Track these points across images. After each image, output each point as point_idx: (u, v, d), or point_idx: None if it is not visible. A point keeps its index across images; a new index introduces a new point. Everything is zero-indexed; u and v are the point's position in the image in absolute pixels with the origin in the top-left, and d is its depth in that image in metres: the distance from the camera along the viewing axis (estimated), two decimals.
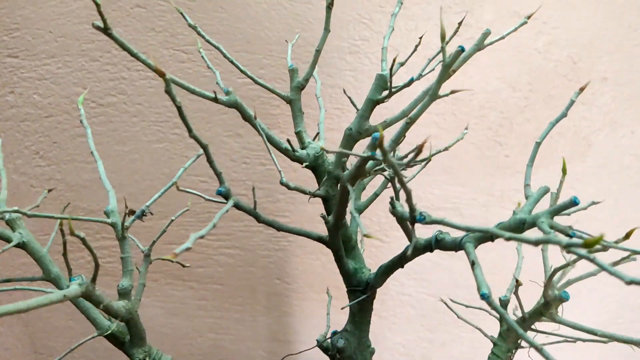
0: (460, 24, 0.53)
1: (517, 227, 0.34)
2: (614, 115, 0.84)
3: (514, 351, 0.52)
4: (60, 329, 1.01)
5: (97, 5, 0.33)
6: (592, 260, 0.26)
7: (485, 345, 0.77)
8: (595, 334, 0.44)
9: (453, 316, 0.95)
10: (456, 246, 0.36)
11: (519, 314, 0.49)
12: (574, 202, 0.33)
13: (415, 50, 0.56)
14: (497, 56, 0.82)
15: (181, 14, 0.55)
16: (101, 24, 0.33)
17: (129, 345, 0.52)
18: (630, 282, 0.24)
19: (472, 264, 0.30)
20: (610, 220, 0.89)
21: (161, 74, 0.33)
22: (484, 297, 0.29)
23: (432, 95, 0.37)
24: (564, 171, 0.39)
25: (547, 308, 0.44)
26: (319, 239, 0.46)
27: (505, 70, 0.83)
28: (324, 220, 0.43)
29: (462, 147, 0.85)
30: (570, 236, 0.32)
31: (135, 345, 0.52)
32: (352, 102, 0.59)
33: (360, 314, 0.46)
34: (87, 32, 0.84)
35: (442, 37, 0.34)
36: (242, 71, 0.53)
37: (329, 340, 0.51)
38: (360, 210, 0.53)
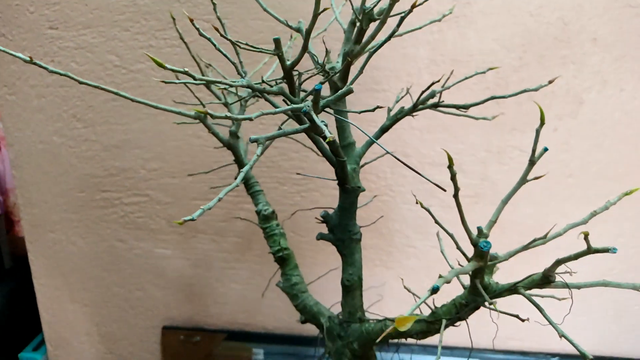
0: None
1: None
2: (604, 74, 0.90)
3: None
4: (97, 279, 1.11)
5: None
6: None
7: None
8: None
9: (453, 262, 1.02)
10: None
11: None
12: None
13: None
14: (492, 19, 0.89)
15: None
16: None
17: None
18: None
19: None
20: (605, 172, 0.95)
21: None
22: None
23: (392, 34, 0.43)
24: (542, 120, 0.43)
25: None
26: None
27: (500, 33, 0.89)
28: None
29: (463, 108, 0.91)
30: None
31: None
32: None
33: (345, 206, 0.54)
34: (119, 4, 0.93)
35: None
36: None
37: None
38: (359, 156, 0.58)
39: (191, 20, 0.55)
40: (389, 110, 0.54)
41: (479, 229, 0.42)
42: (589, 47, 0.89)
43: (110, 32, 0.94)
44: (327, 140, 0.39)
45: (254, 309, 1.10)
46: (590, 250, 0.40)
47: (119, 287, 1.11)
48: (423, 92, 0.52)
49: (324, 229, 0.60)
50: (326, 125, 0.41)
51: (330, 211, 0.58)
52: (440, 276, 0.41)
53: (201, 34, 0.46)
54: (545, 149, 0.45)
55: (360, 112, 0.50)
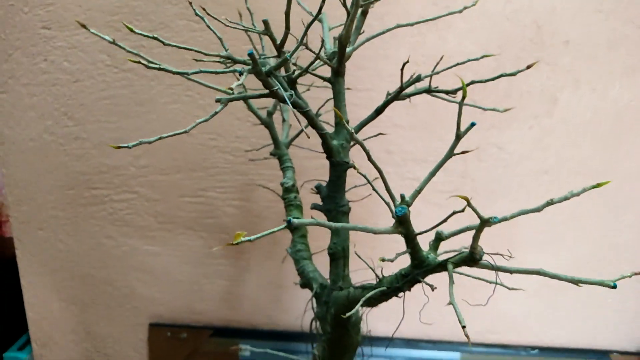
0: None
1: None
2: (576, 74, 0.95)
3: None
4: (84, 277, 1.12)
5: None
6: None
7: (467, 286, 0.88)
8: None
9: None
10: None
11: None
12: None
13: None
14: (470, 23, 0.93)
15: None
16: None
17: None
18: None
19: None
20: (579, 169, 0.99)
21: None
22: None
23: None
24: (464, 93, 0.43)
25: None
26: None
27: (478, 35, 0.94)
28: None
29: (441, 105, 0.95)
30: None
31: None
32: None
33: (333, 179, 0.58)
34: (112, 6, 0.96)
35: None
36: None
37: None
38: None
39: (190, 2, 0.59)
40: (388, 93, 0.57)
41: (402, 196, 0.43)
42: (562, 48, 0.94)
43: (103, 32, 0.96)
44: (291, 101, 0.43)
45: (241, 305, 1.11)
46: (482, 223, 0.40)
47: (106, 284, 1.13)
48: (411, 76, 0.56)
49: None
50: (292, 95, 0.45)
51: (324, 183, 0.61)
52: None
53: (196, 14, 0.49)
54: (473, 124, 0.43)
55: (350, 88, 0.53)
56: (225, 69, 0.50)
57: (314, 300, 0.67)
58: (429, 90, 0.58)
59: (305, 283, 0.66)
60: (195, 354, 1.11)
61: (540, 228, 1.02)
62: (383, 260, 0.45)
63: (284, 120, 0.82)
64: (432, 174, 0.45)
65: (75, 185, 1.06)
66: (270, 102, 0.82)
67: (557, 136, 0.98)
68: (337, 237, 0.60)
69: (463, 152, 0.47)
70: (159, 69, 0.48)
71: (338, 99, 0.56)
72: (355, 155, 0.65)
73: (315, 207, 0.62)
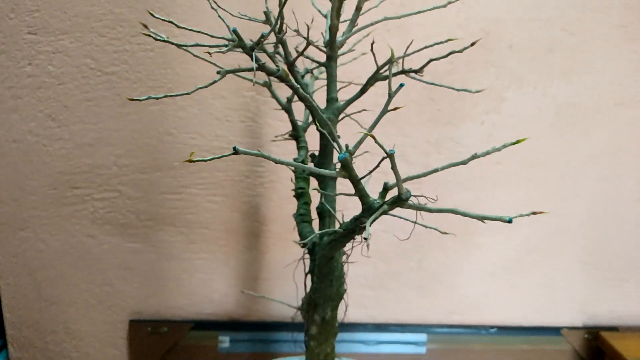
0: None
1: None
2: (520, 75, 1.07)
3: None
4: (65, 276, 1.15)
5: None
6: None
7: (431, 273, 0.97)
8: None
9: (403, 249, 1.15)
10: None
11: None
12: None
13: None
14: (426, 30, 1.04)
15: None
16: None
17: None
18: None
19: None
20: (526, 159, 1.11)
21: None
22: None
23: None
24: (392, 57, 0.52)
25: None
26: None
27: (433, 41, 1.05)
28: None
29: (404, 103, 1.05)
30: None
31: None
32: None
33: (322, 147, 0.66)
34: (97, 13, 1.02)
35: None
36: None
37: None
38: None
39: None
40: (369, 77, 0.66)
41: (346, 145, 0.48)
42: (507, 52, 1.06)
43: (87, 37, 1.03)
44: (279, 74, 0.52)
45: (220, 298, 1.17)
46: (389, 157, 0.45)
47: (87, 283, 1.16)
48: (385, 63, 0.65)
49: None
50: (278, 69, 0.53)
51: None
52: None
53: (212, 7, 0.57)
54: (402, 85, 0.49)
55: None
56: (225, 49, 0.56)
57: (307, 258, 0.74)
58: (401, 72, 0.67)
59: (302, 242, 0.73)
60: (176, 347, 1.15)
61: (494, 212, 1.12)
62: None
63: (310, 105, 0.88)
64: (375, 123, 0.50)
65: (58, 185, 1.10)
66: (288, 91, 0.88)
67: (505, 130, 1.09)
68: (324, 197, 0.68)
69: (395, 109, 0.52)
70: (165, 41, 0.55)
71: (330, 79, 0.65)
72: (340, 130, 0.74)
73: (310, 173, 0.70)
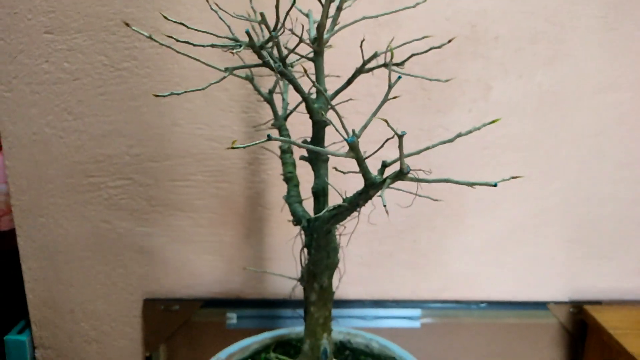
0: None
1: None
2: (505, 64, 1.14)
3: None
4: (82, 259, 1.23)
5: None
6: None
7: (424, 252, 1.04)
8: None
9: (398, 230, 1.23)
10: None
11: None
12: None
13: None
14: (417, 23, 1.11)
15: None
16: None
17: None
18: None
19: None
20: (512, 144, 1.18)
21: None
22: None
23: None
24: (392, 55, 0.60)
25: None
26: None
27: (423, 33, 1.12)
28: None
29: (398, 93, 1.12)
30: None
31: None
32: None
33: (314, 134, 0.74)
34: (108, 13, 1.09)
35: None
36: None
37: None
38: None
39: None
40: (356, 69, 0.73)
41: (353, 130, 0.55)
42: (493, 43, 1.13)
43: (100, 35, 1.10)
44: (279, 71, 0.59)
45: (227, 278, 1.25)
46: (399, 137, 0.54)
47: (102, 265, 1.24)
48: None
49: None
50: (279, 66, 0.61)
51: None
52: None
53: (211, 9, 0.64)
54: (399, 77, 0.57)
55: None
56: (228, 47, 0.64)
57: (302, 233, 0.82)
58: (383, 65, 0.74)
59: (297, 221, 0.81)
60: (187, 323, 1.23)
61: (482, 196, 1.20)
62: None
63: (283, 99, 0.93)
64: (374, 114, 0.58)
65: (74, 174, 1.17)
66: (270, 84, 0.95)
67: (492, 117, 1.16)
68: (318, 179, 0.76)
69: (394, 97, 0.60)
70: (182, 41, 0.62)
71: (318, 73, 0.72)
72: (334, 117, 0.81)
73: (302, 158, 0.77)
